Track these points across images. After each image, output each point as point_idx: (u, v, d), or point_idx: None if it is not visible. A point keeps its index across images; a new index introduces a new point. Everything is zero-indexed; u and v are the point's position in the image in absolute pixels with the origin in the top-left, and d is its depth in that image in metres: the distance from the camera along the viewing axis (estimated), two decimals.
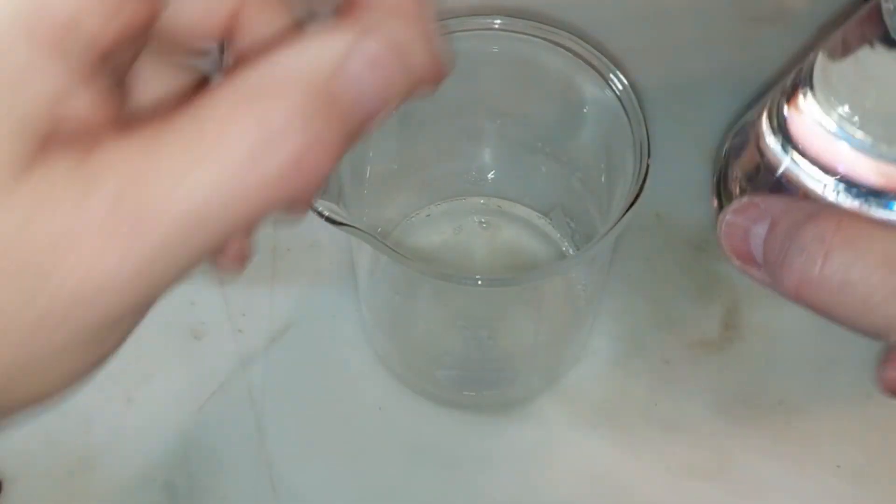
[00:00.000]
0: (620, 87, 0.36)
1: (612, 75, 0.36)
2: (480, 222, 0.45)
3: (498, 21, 0.37)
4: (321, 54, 0.20)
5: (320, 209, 0.32)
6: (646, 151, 0.34)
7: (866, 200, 0.38)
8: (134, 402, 0.42)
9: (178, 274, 0.20)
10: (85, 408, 0.42)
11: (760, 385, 0.43)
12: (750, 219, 0.29)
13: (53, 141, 0.19)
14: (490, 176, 0.44)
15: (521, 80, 0.39)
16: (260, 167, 0.19)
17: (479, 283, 0.33)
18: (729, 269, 0.45)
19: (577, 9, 0.52)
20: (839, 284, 0.26)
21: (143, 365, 0.42)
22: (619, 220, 0.33)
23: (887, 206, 0.38)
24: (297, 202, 0.20)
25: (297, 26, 0.23)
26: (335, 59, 0.20)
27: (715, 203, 0.46)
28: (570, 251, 0.44)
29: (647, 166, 0.34)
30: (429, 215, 0.45)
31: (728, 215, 0.30)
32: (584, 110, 0.38)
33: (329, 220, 0.32)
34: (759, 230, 0.29)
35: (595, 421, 0.42)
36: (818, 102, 0.38)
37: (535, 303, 0.40)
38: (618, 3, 0.53)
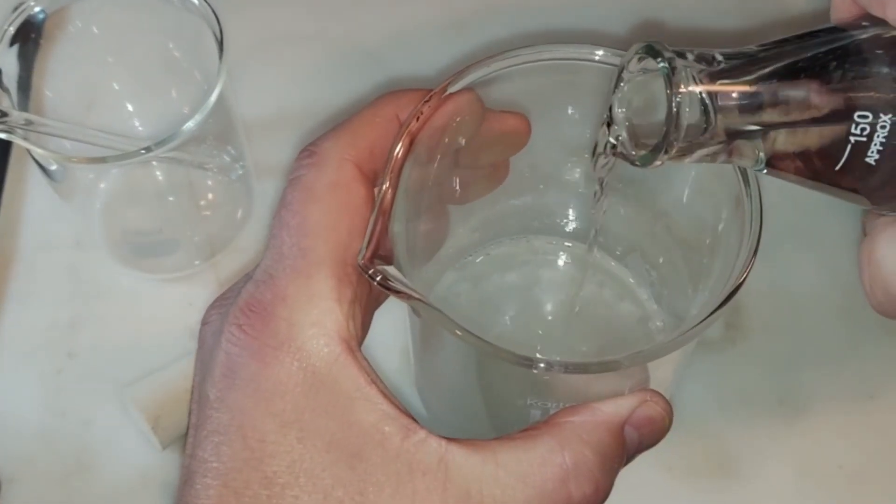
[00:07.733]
0: None
1: None
2: (552, 265, 0.40)
3: (599, 52, 0.32)
4: (618, 408, 0.28)
5: (371, 272, 0.26)
6: (755, 238, 0.30)
7: None
8: None
9: None
10: (85, 408, 0.42)
11: (761, 385, 0.43)
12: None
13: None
14: (563, 215, 0.40)
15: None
16: (565, 490, 0.26)
17: (559, 368, 0.28)
18: None
19: (577, 8, 0.52)
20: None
21: (143, 365, 0.42)
22: (713, 312, 0.30)
23: None
24: None
25: None
26: (627, 412, 0.28)
27: None
28: (649, 300, 0.39)
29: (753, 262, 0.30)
30: (488, 254, 0.40)
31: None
32: (690, 166, 0.34)
33: (383, 285, 0.26)
34: None
35: None
36: None
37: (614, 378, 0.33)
38: (618, 2, 0.53)
